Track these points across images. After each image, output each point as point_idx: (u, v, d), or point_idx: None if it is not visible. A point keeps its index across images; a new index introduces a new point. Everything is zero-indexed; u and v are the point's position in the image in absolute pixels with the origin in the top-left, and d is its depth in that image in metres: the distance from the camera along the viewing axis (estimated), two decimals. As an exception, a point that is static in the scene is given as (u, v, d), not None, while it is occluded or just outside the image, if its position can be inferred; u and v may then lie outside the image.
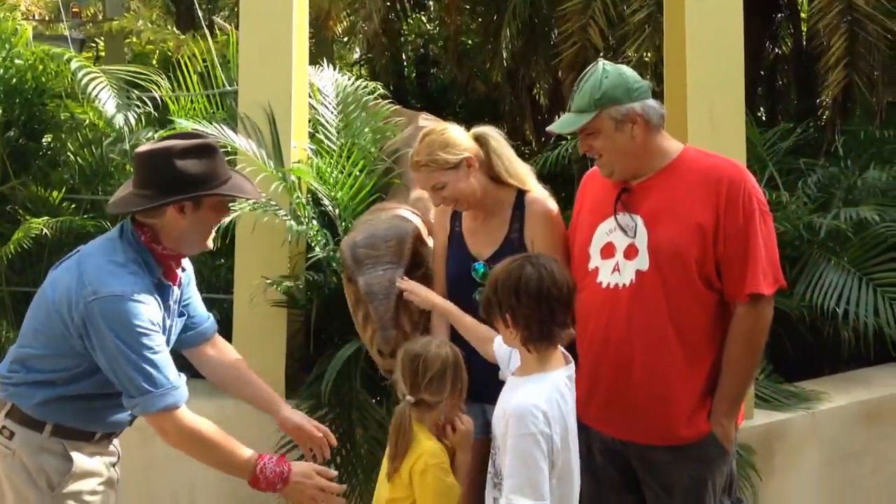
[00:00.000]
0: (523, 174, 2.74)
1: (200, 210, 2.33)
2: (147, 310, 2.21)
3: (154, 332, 2.23)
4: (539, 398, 2.09)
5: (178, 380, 2.29)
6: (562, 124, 2.50)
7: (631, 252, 2.42)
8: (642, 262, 2.39)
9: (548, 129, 2.63)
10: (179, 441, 2.28)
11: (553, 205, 2.67)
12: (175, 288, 2.43)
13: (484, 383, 2.46)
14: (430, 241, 2.97)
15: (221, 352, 2.68)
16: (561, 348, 2.26)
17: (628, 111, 2.39)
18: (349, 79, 4.54)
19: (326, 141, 4.10)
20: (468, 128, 2.80)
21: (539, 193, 2.72)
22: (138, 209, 2.30)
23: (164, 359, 2.25)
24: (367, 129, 4.14)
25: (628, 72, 2.45)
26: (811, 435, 3.56)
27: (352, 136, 4.11)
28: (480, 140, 2.68)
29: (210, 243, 2.45)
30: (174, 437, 2.27)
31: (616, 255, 2.45)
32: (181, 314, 2.54)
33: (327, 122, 4.18)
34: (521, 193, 2.68)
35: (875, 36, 6.14)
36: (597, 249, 2.50)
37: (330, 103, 4.27)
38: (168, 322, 2.42)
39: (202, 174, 2.29)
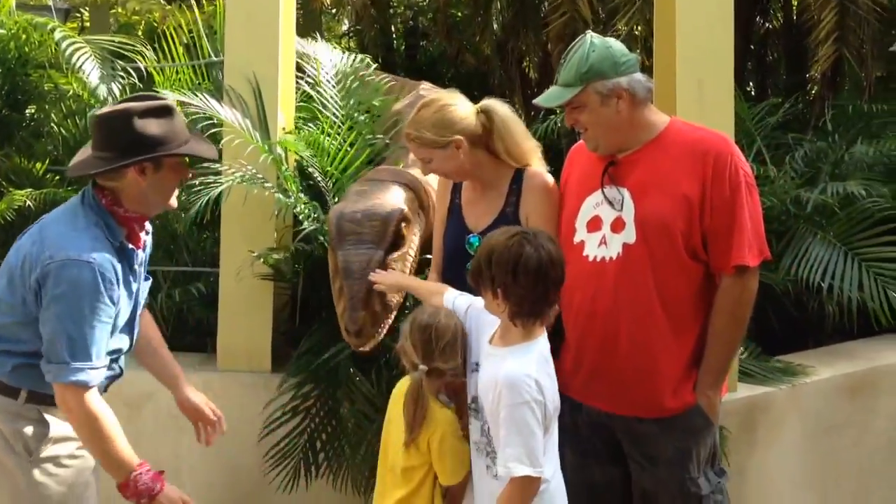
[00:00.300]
0: (525, 153, 2.68)
1: (161, 171, 2.31)
2: (100, 280, 2.18)
3: (101, 305, 2.20)
4: (530, 367, 2.11)
5: (100, 361, 2.25)
6: (548, 97, 2.49)
7: (618, 225, 2.42)
8: (629, 235, 2.40)
9: (534, 101, 2.61)
10: (78, 420, 2.24)
11: (550, 179, 2.65)
12: (140, 251, 2.41)
13: None
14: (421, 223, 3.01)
15: (142, 320, 2.63)
16: None
17: (614, 86, 2.39)
18: (341, 52, 4.51)
19: (320, 113, 4.07)
20: None
21: (538, 168, 2.69)
22: (98, 171, 2.28)
23: (98, 335, 2.21)
24: (360, 103, 4.12)
25: (616, 45, 2.44)
26: (794, 408, 3.59)
27: (346, 108, 4.08)
28: (486, 114, 2.64)
29: (174, 202, 2.43)
30: (74, 415, 2.23)
31: (603, 228, 2.45)
32: (147, 277, 2.52)
33: (321, 93, 4.15)
34: (519, 169, 2.67)
35: (865, 10, 6.13)
36: (583, 223, 2.51)
37: (325, 76, 4.24)
38: (135, 285, 2.40)
39: (162, 135, 2.27)
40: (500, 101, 2.74)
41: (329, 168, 3.78)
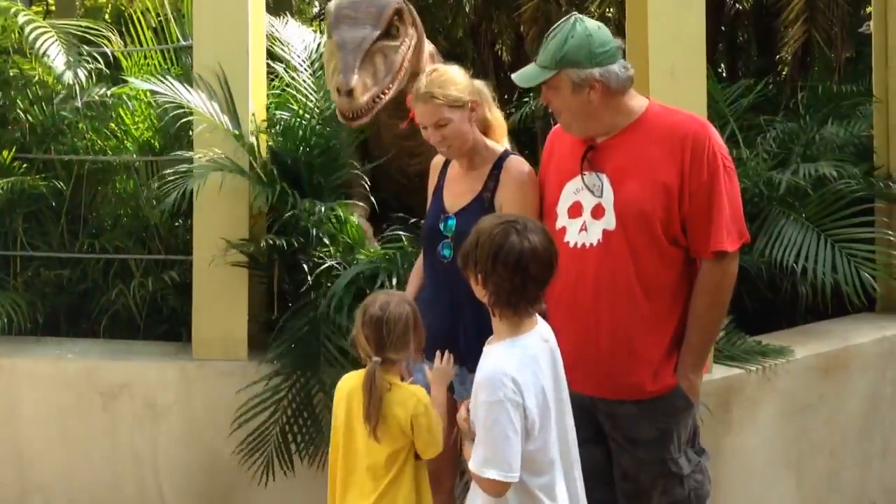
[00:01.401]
0: (504, 124, 2.80)
1: None
2: None
3: None
4: (508, 364, 2.04)
5: None
6: (524, 76, 2.48)
7: (598, 211, 2.43)
8: (609, 221, 2.40)
9: (512, 76, 2.59)
10: None
11: (528, 169, 2.63)
12: None
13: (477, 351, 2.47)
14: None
15: None
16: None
17: (587, 76, 2.37)
18: (313, 33, 4.46)
19: (294, 99, 4.03)
20: None
21: (516, 156, 2.70)
22: None
23: None
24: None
25: (597, 34, 2.39)
26: (768, 388, 3.63)
27: (321, 91, 4.03)
28: (479, 91, 2.67)
29: None
30: None
31: (583, 214, 2.46)
32: None
33: (294, 78, 4.11)
34: (505, 153, 2.66)
35: (835, -10, 6.17)
36: (564, 209, 2.51)
37: (297, 59, 4.19)
38: None
39: None
40: (482, 83, 2.76)
41: (304, 153, 3.75)
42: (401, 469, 2.35)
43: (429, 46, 4.03)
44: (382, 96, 3.26)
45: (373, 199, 4.00)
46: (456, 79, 2.61)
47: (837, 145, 4.66)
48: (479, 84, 2.71)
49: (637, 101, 2.50)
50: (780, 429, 3.69)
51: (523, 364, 2.06)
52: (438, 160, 2.79)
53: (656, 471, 2.47)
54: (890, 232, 4.16)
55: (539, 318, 2.22)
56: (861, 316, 4.22)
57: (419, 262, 2.82)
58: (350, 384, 2.41)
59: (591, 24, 2.43)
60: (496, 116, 2.76)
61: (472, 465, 2.05)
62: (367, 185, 4.01)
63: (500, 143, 2.75)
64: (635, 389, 2.43)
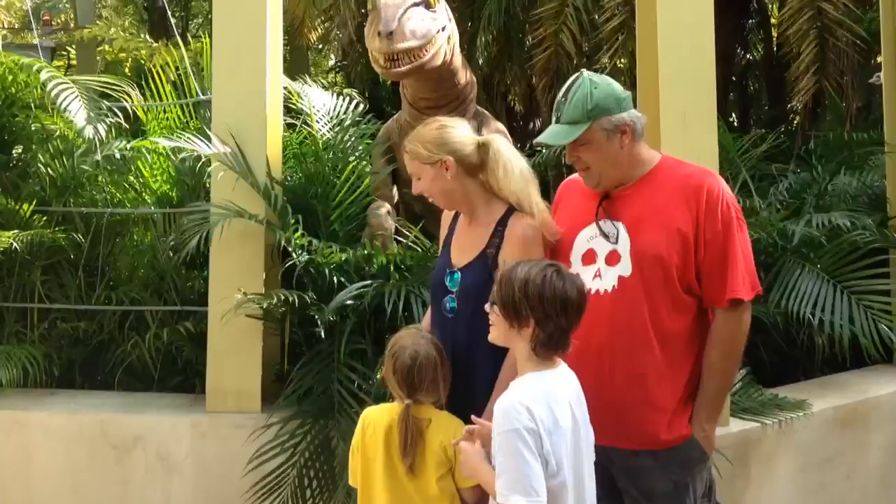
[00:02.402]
0: (517, 193, 2.58)
1: None
2: None
3: None
4: (525, 395, 2.09)
5: None
6: (554, 136, 2.47)
7: (613, 258, 2.44)
8: (625, 267, 2.41)
9: (536, 141, 2.62)
10: None
11: (531, 231, 2.52)
12: None
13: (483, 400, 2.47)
14: None
15: None
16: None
17: (619, 121, 2.42)
18: (336, 96, 4.57)
19: (314, 153, 4.14)
20: None
21: (527, 214, 2.56)
22: None
23: None
24: (358, 145, 4.20)
25: (614, 83, 2.48)
26: (786, 441, 3.58)
27: (342, 151, 4.14)
28: (484, 147, 2.61)
29: None
30: None
31: (597, 261, 2.46)
32: None
33: (313, 136, 4.23)
34: (511, 209, 2.63)
35: (844, 42, 6.24)
36: (577, 256, 2.51)
37: (319, 119, 4.30)
38: None
39: None
40: (504, 139, 2.73)
41: (320, 202, 3.82)
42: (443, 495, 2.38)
43: (470, 75, 4.36)
44: (420, 55, 3.60)
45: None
46: (436, 136, 2.57)
47: (850, 195, 4.67)
48: (488, 141, 2.61)
49: (651, 153, 2.54)
50: (800, 483, 3.64)
51: (541, 398, 2.09)
52: (449, 212, 2.79)
53: (672, 525, 2.44)
54: (906, 284, 4.13)
55: (563, 364, 2.24)
56: (879, 368, 4.18)
57: (430, 312, 2.81)
58: (388, 419, 2.42)
59: (604, 76, 2.50)
60: (505, 181, 2.57)
61: (498, 496, 2.05)
62: (391, 189, 4.28)
63: (524, 204, 2.62)
64: (649, 439, 2.41)
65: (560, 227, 2.60)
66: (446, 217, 2.79)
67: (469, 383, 2.51)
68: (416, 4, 3.62)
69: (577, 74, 2.49)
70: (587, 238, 2.50)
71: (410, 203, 4.62)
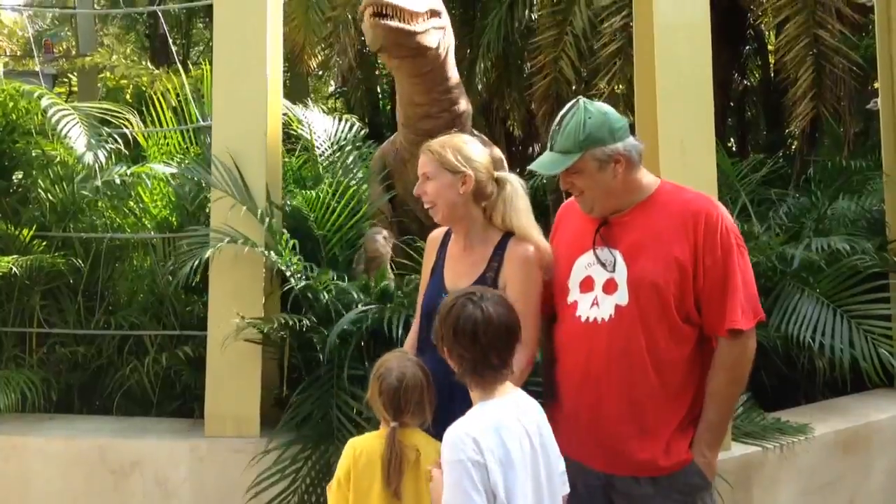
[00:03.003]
0: (521, 226, 2.60)
1: None
2: None
3: None
4: (472, 426, 2.05)
5: None
6: (546, 165, 2.47)
7: (610, 286, 2.42)
8: (622, 296, 2.40)
9: (530, 167, 2.61)
10: None
11: (532, 252, 2.55)
12: None
13: None
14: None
15: None
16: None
17: (612, 152, 2.40)
18: (336, 120, 4.60)
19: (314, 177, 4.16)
20: None
21: (525, 239, 2.59)
22: None
23: None
24: (357, 170, 4.23)
25: (610, 111, 2.45)
26: (788, 465, 3.56)
27: (340, 174, 4.17)
28: (500, 182, 2.64)
29: None
30: None
31: (595, 289, 2.45)
32: None
33: (314, 161, 4.25)
34: (507, 236, 2.65)
35: (841, 68, 6.29)
36: (576, 283, 2.50)
37: (320, 145, 4.33)
38: None
39: None
40: (519, 179, 2.70)
41: (321, 231, 3.82)
42: None
43: (467, 103, 4.44)
44: (410, 20, 3.69)
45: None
46: (464, 149, 2.60)
47: (849, 220, 4.68)
48: (505, 177, 2.64)
49: (649, 179, 2.52)
50: (802, 508, 3.61)
51: (490, 428, 2.05)
52: (436, 235, 2.79)
53: (674, 553, 2.41)
54: (906, 308, 4.13)
55: (520, 393, 2.21)
56: (880, 392, 4.17)
57: (413, 335, 2.79)
58: (381, 446, 2.38)
59: (601, 105, 2.48)
60: (509, 217, 2.61)
61: None
62: (389, 214, 4.37)
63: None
64: (648, 465, 2.39)
65: (558, 251, 2.61)
66: (433, 243, 2.79)
67: (468, 405, 2.51)
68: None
69: (573, 102, 2.47)
70: (585, 265, 2.48)
71: (408, 225, 4.64)
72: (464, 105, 4.38)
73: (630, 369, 2.37)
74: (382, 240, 4.06)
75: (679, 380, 2.40)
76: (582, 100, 2.47)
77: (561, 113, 2.47)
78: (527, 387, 2.34)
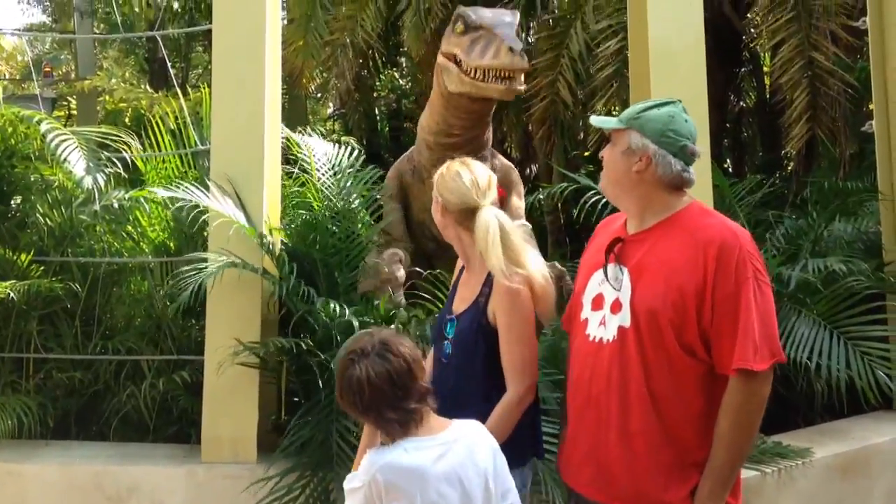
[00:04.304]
0: (492, 268, 2.49)
1: None
2: None
3: None
4: (382, 457, 2.05)
5: None
6: (601, 120, 2.47)
7: (616, 306, 2.33)
8: (624, 318, 2.29)
9: (591, 118, 2.62)
10: None
11: (515, 282, 2.46)
12: None
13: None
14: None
15: None
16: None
17: (642, 145, 2.31)
18: (336, 144, 4.62)
19: (315, 200, 4.16)
20: None
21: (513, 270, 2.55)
22: None
23: None
24: (354, 194, 4.23)
25: (681, 123, 2.33)
26: (787, 489, 3.54)
27: (340, 198, 4.18)
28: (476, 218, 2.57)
29: None
30: None
31: (604, 307, 2.36)
32: None
33: (314, 183, 4.26)
34: None
35: (836, 90, 6.32)
36: (589, 299, 2.42)
37: (320, 168, 4.34)
38: None
39: None
40: (500, 212, 2.58)
41: (319, 251, 3.82)
42: None
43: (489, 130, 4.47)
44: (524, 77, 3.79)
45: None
46: (444, 173, 2.61)
47: (846, 241, 4.69)
48: (483, 216, 2.52)
49: (677, 200, 2.36)
50: (802, 532, 3.59)
51: (393, 465, 2.04)
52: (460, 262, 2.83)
53: None
54: (903, 330, 4.14)
55: (453, 424, 2.16)
56: (878, 414, 4.16)
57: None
58: None
59: (683, 115, 2.38)
60: (482, 251, 2.53)
61: None
62: (405, 240, 4.39)
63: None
64: (642, 498, 2.28)
65: (582, 264, 2.55)
66: (458, 263, 2.82)
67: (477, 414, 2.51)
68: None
69: (675, 100, 2.40)
70: (598, 282, 2.40)
71: (425, 244, 4.64)
72: (489, 131, 4.43)
73: (627, 396, 2.27)
74: (397, 261, 4.06)
75: (679, 418, 2.25)
76: (675, 100, 2.39)
77: (663, 99, 2.41)
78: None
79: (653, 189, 2.32)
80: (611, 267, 2.36)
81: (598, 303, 2.38)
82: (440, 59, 4.10)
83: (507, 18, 3.82)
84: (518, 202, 4.61)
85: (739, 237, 2.25)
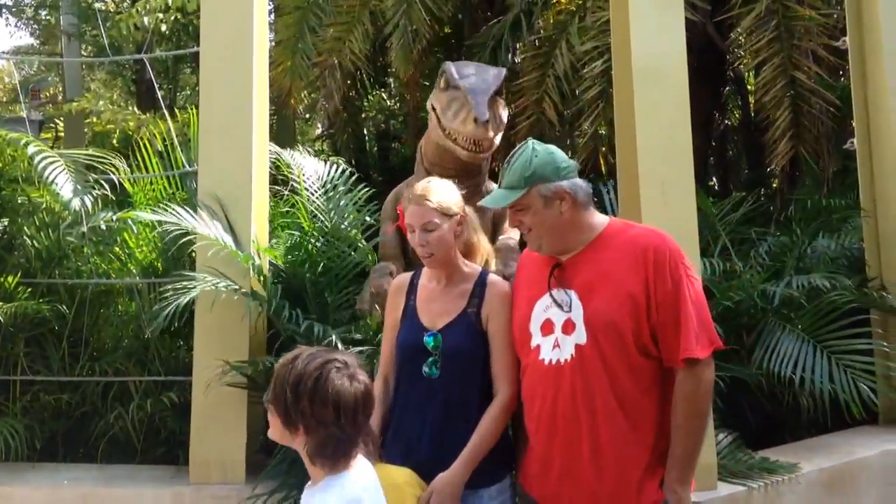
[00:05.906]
0: (486, 252, 2.83)
1: None
2: None
3: None
4: (330, 500, 1.98)
5: None
6: (493, 199, 2.57)
7: (568, 327, 2.45)
8: (580, 336, 2.42)
9: (478, 203, 2.70)
10: None
11: (508, 286, 2.71)
12: None
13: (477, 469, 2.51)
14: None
15: None
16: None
17: (556, 188, 2.47)
18: (325, 164, 4.63)
19: (305, 220, 4.18)
20: None
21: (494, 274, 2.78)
22: None
23: None
24: (345, 213, 4.24)
25: (557, 152, 2.54)
26: (775, 504, 3.56)
27: (330, 218, 4.19)
28: (466, 213, 2.76)
29: None
30: None
31: (555, 330, 2.47)
32: None
33: (304, 203, 4.27)
34: (483, 273, 2.73)
35: (818, 109, 6.40)
36: (537, 326, 2.52)
37: (309, 187, 4.36)
38: None
39: None
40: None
41: (308, 271, 3.83)
42: None
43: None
44: (495, 142, 3.66)
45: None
46: (449, 190, 2.72)
47: (829, 257, 4.73)
48: (469, 210, 2.79)
49: (598, 219, 2.57)
50: (789, 547, 3.61)
51: (345, 499, 1.99)
52: (400, 282, 2.83)
53: None
54: (886, 344, 4.17)
55: (359, 458, 2.12)
56: (864, 429, 4.19)
57: (379, 385, 2.75)
58: (403, 478, 2.39)
59: (548, 146, 2.56)
60: (481, 240, 2.83)
61: None
62: (400, 254, 4.24)
63: (486, 265, 2.83)
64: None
65: (518, 296, 2.64)
66: (400, 288, 2.82)
67: (466, 439, 2.53)
68: (496, 92, 3.70)
69: (522, 143, 2.55)
70: (544, 308, 2.51)
71: (418, 263, 4.63)
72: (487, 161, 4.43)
73: (595, 408, 2.38)
74: (389, 275, 4.06)
75: (645, 417, 2.41)
76: (531, 141, 2.55)
77: (511, 153, 2.53)
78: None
79: (578, 217, 2.50)
80: (555, 291, 2.50)
81: (547, 327, 2.49)
82: (429, 105, 4.10)
83: (488, 80, 3.71)
84: (509, 228, 4.61)
85: (666, 240, 2.47)
